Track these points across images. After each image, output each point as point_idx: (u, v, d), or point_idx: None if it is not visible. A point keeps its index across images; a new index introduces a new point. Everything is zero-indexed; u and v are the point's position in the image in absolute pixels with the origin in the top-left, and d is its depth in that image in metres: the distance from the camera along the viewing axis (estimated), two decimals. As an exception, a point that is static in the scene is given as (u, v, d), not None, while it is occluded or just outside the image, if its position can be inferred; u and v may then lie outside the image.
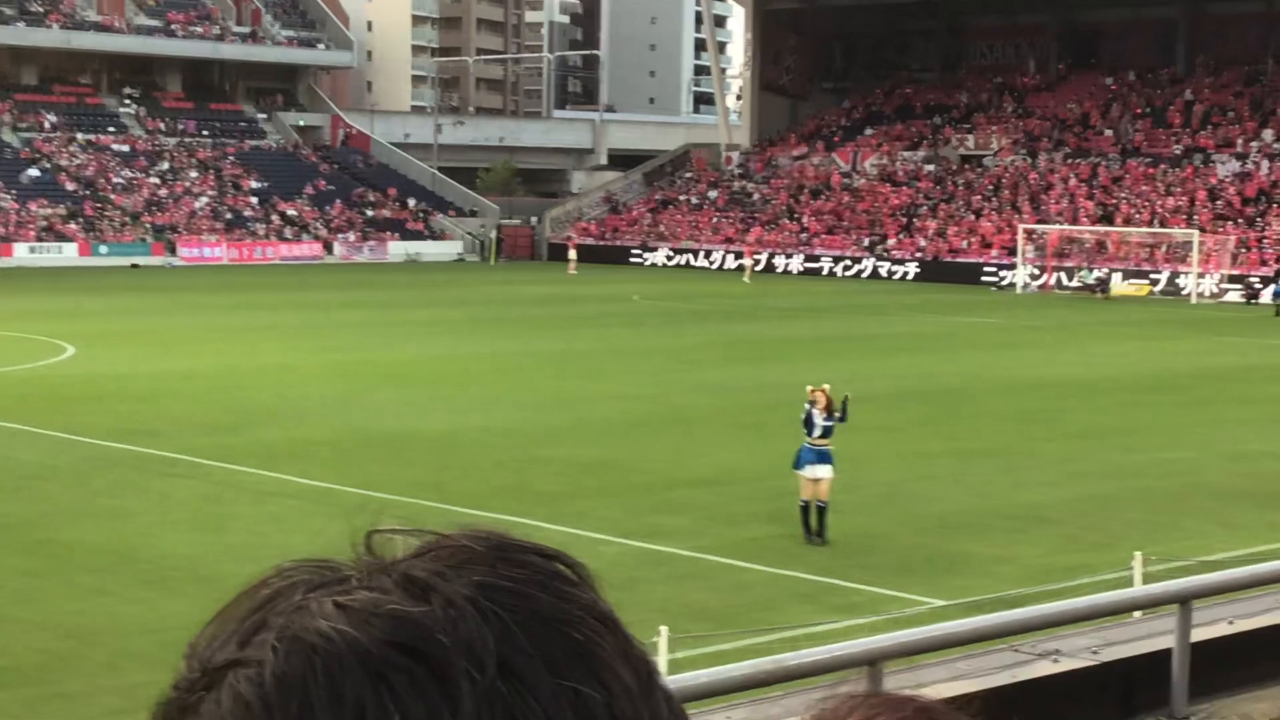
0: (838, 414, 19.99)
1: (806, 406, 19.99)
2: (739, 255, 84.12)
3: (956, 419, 30.34)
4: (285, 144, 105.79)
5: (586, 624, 0.96)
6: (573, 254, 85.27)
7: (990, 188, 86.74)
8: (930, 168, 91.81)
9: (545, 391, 33.62)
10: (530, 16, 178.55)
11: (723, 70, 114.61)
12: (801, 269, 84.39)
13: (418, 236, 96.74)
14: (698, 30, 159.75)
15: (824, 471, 19.64)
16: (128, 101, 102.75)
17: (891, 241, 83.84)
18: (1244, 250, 71.09)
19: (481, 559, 0.97)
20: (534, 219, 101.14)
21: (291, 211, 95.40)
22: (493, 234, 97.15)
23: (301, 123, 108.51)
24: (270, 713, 0.90)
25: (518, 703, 0.91)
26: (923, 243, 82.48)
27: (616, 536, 19.41)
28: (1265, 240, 71.83)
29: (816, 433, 19.81)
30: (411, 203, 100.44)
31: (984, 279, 75.93)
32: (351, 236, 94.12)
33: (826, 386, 20.37)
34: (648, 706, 0.96)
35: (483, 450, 26.16)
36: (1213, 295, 68.61)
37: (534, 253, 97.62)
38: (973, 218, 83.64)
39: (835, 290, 71.50)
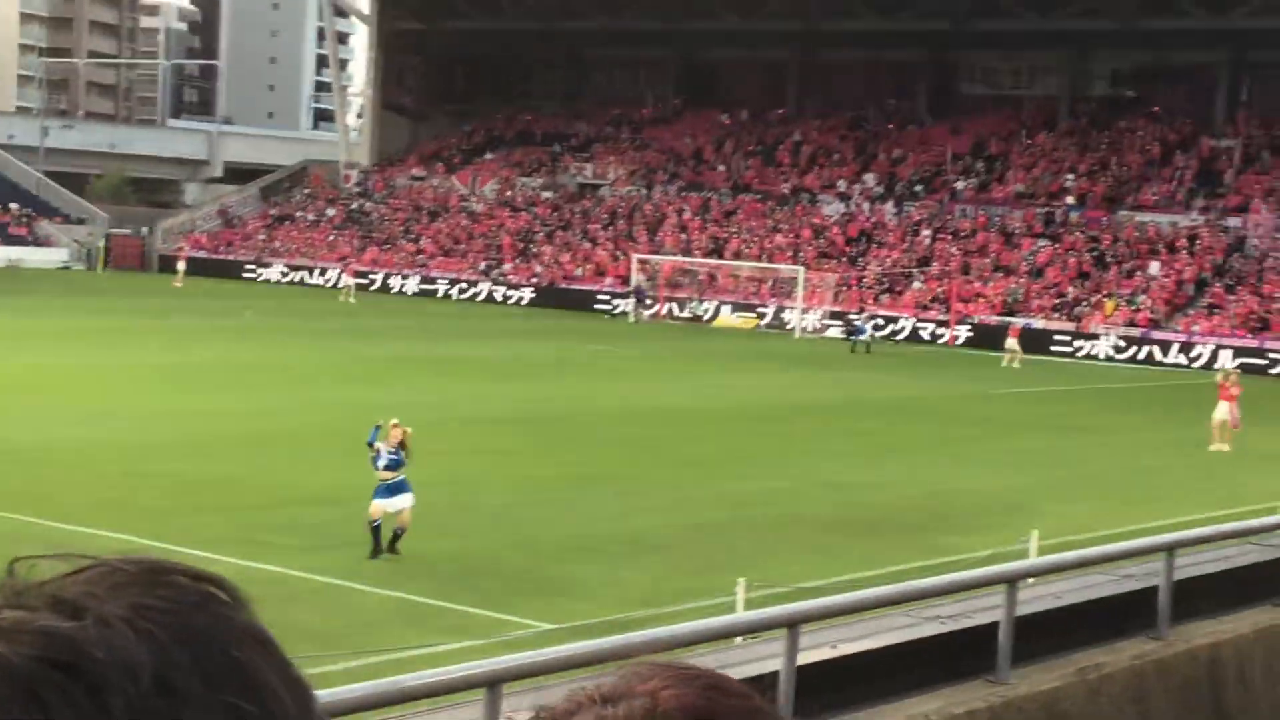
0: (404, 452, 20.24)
1: (379, 445, 20.14)
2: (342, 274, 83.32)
3: (568, 445, 30.64)
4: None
5: (244, 644, 0.96)
6: (181, 265, 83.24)
7: (606, 217, 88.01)
8: (548, 194, 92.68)
9: (153, 405, 32.72)
10: (146, 22, 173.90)
11: (344, 87, 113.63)
12: (417, 290, 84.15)
13: (20, 242, 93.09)
14: (319, 46, 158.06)
15: (404, 502, 19.92)
16: None
17: (508, 266, 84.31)
18: (845, 288, 73.74)
19: (135, 580, 0.95)
20: (145, 229, 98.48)
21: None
22: (100, 242, 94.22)
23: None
24: None
25: (173, 717, 0.89)
26: (539, 269, 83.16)
27: (223, 555, 18.96)
28: (864, 279, 74.64)
29: (382, 463, 19.95)
30: (14, 207, 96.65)
31: (598, 306, 77.00)
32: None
33: (396, 420, 20.56)
34: None
35: (84, 464, 25.29)
36: (815, 330, 70.93)
37: (144, 263, 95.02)
38: (589, 245, 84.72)
39: (451, 313, 71.51)
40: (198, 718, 0.90)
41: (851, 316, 67.73)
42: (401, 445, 20.13)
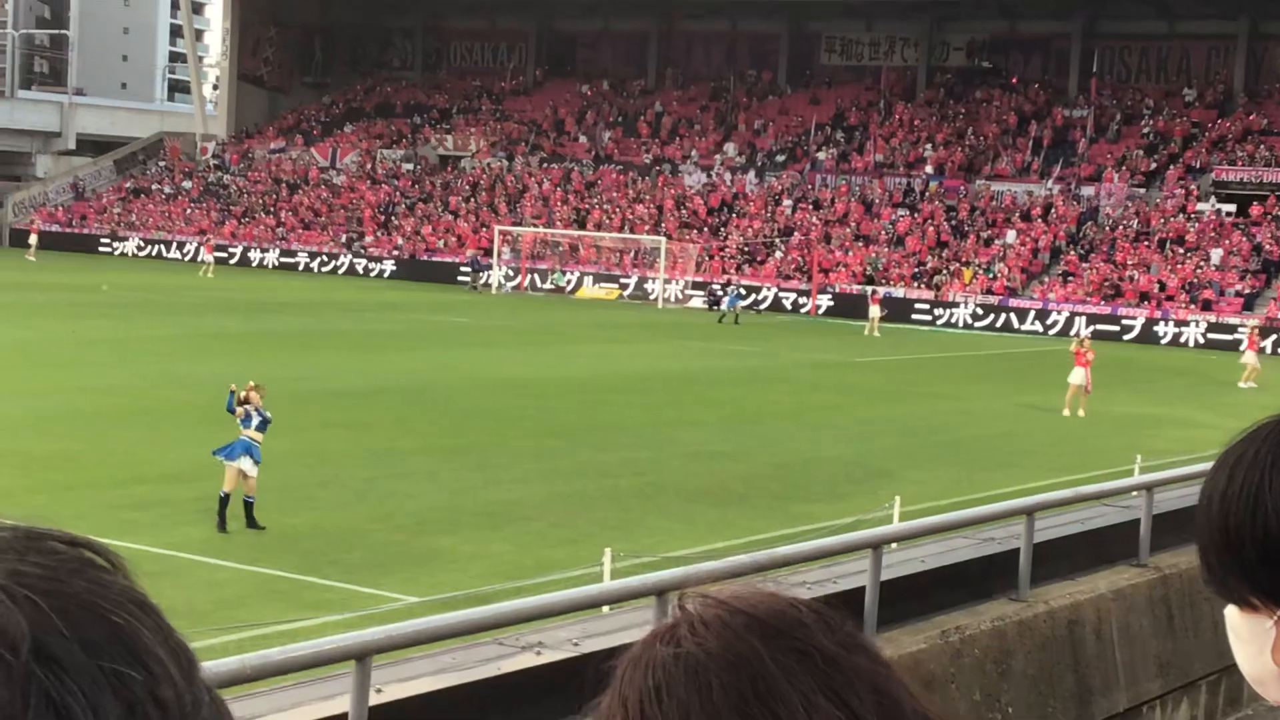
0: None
1: (245, 407, 20.11)
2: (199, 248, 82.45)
3: (431, 416, 30.48)
4: None
5: (125, 608, 0.93)
6: (33, 239, 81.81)
7: (467, 189, 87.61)
8: (409, 166, 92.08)
9: (5, 382, 32.09)
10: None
11: (199, 58, 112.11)
12: (277, 264, 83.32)
13: None
14: (174, 15, 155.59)
15: (254, 467, 19.92)
16: None
17: (369, 239, 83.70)
18: (708, 258, 74.01)
19: (9, 547, 0.93)
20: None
21: None
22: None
23: None
24: None
25: (54, 684, 0.87)
26: (400, 241, 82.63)
27: (80, 532, 18.65)
28: (726, 250, 74.93)
29: (255, 423, 19.89)
30: None
31: (460, 278, 76.66)
32: None
33: (252, 383, 20.55)
34: (190, 692, 0.93)
35: (-65, 443, 24.76)
36: (678, 300, 71.14)
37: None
38: (450, 217, 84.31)
39: (312, 286, 70.89)
40: (81, 686, 0.88)
41: (715, 286, 68.01)
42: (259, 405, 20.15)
